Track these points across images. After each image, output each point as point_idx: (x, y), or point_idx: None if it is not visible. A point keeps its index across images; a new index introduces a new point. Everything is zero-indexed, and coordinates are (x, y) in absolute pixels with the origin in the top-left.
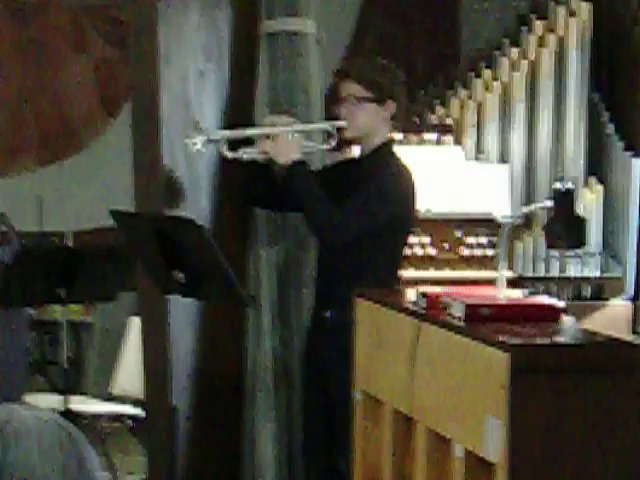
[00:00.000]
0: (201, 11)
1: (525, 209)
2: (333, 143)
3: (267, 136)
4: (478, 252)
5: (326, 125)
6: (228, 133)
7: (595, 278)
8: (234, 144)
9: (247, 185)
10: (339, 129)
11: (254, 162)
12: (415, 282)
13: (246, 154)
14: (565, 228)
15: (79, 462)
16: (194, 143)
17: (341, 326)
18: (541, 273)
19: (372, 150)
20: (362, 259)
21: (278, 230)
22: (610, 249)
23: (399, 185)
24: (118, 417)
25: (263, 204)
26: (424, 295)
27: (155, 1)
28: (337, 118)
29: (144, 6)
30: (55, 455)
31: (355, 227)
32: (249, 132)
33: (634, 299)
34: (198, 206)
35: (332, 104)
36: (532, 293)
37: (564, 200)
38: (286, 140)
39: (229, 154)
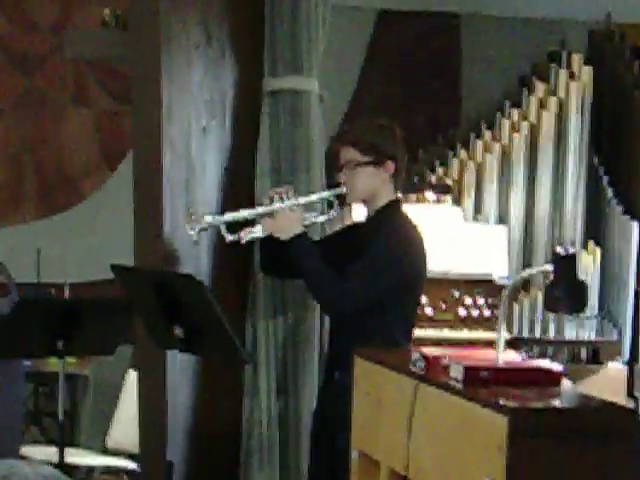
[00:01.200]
0: (205, 67)
1: (526, 272)
2: (334, 213)
3: (268, 215)
4: (475, 312)
5: (326, 194)
6: (222, 219)
7: (591, 341)
8: (236, 224)
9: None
10: (341, 196)
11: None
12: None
13: (246, 236)
14: (566, 292)
15: None
16: (191, 231)
17: (349, 387)
18: (537, 335)
19: (376, 212)
20: (372, 320)
21: (278, 289)
22: (607, 312)
23: (405, 245)
24: (113, 470)
25: (271, 271)
26: (423, 356)
27: (159, 56)
28: (338, 184)
29: (148, 60)
30: None
31: (359, 297)
32: (244, 213)
33: (630, 362)
34: (198, 262)
35: (330, 168)
36: (530, 356)
37: (565, 264)
38: (286, 216)
39: (229, 237)
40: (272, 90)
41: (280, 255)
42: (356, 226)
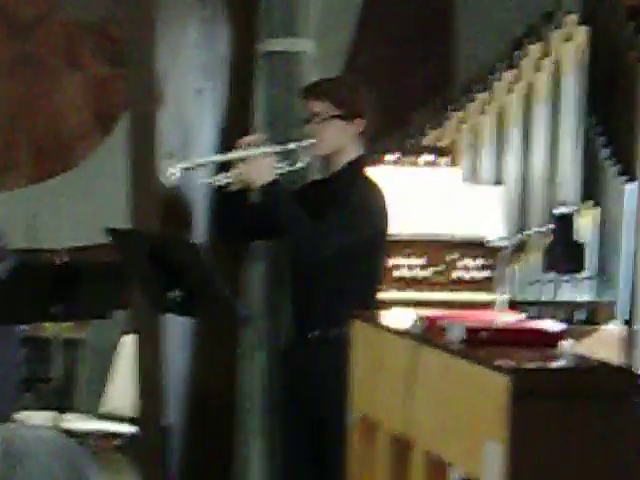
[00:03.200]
0: (199, 29)
1: (524, 233)
2: (301, 164)
3: (241, 160)
4: (471, 274)
5: (293, 145)
6: (199, 160)
7: (588, 302)
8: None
9: (220, 216)
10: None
11: (226, 193)
12: (407, 304)
13: (219, 180)
14: (565, 253)
15: (81, 479)
16: (171, 173)
17: (323, 344)
18: (534, 297)
19: (341, 168)
20: (341, 278)
21: (271, 248)
22: (604, 273)
23: (373, 202)
24: (109, 435)
25: (237, 235)
26: (422, 318)
27: (153, 18)
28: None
29: (142, 24)
30: (57, 472)
31: (335, 242)
32: (217, 157)
33: (628, 324)
34: (193, 224)
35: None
36: (531, 317)
37: (563, 225)
38: (258, 163)
39: (202, 180)
40: (267, 51)
41: (242, 216)
42: (322, 181)
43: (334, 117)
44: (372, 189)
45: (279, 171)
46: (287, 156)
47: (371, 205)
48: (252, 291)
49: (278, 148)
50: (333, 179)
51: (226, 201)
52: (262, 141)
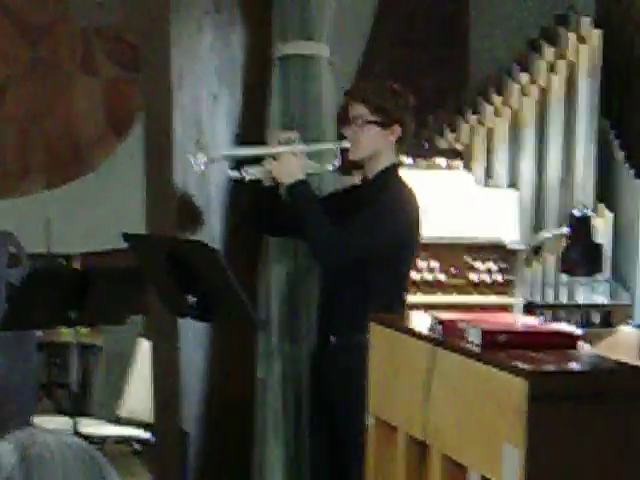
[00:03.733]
0: (215, 34)
1: (543, 235)
2: (337, 164)
3: (272, 156)
4: (486, 277)
5: (330, 145)
6: (228, 151)
7: (604, 305)
8: (240, 164)
9: (252, 209)
10: (344, 151)
11: (260, 186)
12: (423, 307)
13: (248, 173)
14: (582, 254)
15: None
16: (196, 161)
17: (345, 349)
18: (550, 300)
19: (376, 174)
20: (366, 282)
21: (289, 252)
22: (619, 276)
23: (401, 207)
24: (126, 440)
25: (267, 229)
26: (440, 321)
27: (169, 23)
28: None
29: (157, 28)
30: (79, 478)
31: (355, 248)
32: (249, 151)
33: None
34: (210, 228)
35: (341, 125)
36: (548, 320)
37: (581, 226)
38: (289, 160)
39: (231, 173)
40: (282, 55)
41: (275, 209)
42: (355, 187)
43: (372, 122)
44: (403, 195)
45: (309, 171)
46: (318, 158)
47: (397, 210)
48: (272, 292)
49: (312, 147)
50: (366, 185)
51: (259, 195)
52: (295, 139)
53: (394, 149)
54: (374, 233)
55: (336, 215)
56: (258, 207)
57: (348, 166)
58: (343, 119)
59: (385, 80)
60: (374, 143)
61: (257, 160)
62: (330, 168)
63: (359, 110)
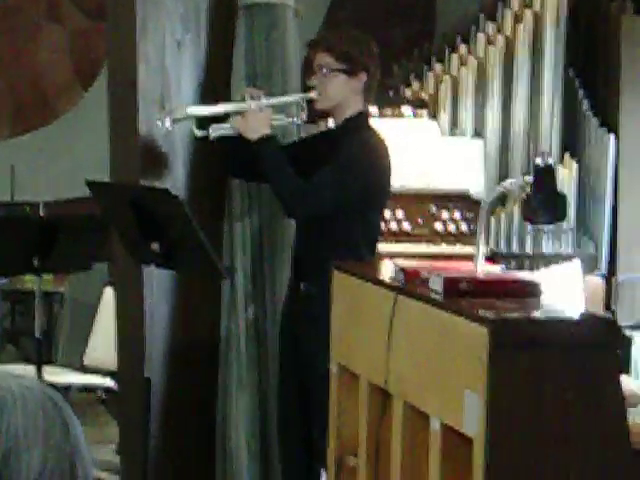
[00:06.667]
0: None
1: (506, 184)
2: (303, 116)
3: (237, 113)
4: (452, 227)
5: (296, 97)
6: (192, 111)
7: (568, 255)
8: (205, 121)
9: (226, 154)
10: (311, 101)
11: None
12: (389, 256)
13: (215, 131)
14: (545, 202)
15: (64, 429)
16: (162, 123)
17: (314, 298)
18: (515, 249)
19: (344, 122)
20: (337, 232)
21: (253, 201)
22: (583, 226)
23: (371, 156)
24: (91, 388)
25: (240, 174)
26: (402, 269)
27: None
28: (310, 90)
29: None
30: (39, 422)
31: (326, 200)
32: (214, 109)
33: (608, 275)
34: (174, 177)
35: (306, 76)
36: (510, 269)
37: (544, 175)
38: (255, 115)
39: (198, 132)
40: (247, 4)
41: (249, 158)
42: (323, 134)
43: (338, 70)
44: (372, 143)
45: (276, 123)
46: (284, 109)
47: (366, 160)
48: (234, 244)
49: (278, 100)
50: (334, 133)
51: (231, 143)
52: (260, 94)
53: (362, 98)
54: (344, 185)
55: (305, 163)
56: (233, 153)
57: (313, 115)
58: (308, 70)
59: (348, 29)
60: (341, 91)
61: (223, 117)
62: (298, 121)
63: (324, 59)
